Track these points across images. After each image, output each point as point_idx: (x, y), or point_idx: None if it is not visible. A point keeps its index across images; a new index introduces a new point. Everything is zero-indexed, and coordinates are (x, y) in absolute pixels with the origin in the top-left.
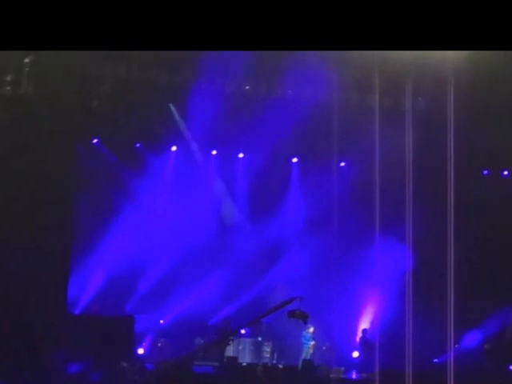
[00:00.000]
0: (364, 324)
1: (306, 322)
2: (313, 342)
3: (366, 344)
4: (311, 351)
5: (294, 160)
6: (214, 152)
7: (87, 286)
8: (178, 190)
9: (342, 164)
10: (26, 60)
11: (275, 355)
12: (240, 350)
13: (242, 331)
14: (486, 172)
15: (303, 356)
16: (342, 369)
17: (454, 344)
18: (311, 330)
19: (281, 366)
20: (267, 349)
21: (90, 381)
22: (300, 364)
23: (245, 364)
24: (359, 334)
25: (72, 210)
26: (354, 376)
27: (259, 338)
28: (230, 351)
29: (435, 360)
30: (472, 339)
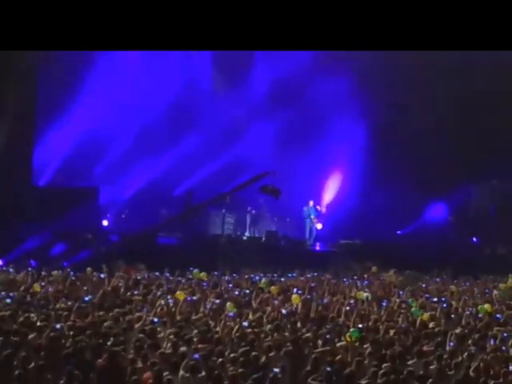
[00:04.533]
0: (328, 196)
1: (277, 198)
2: (313, 217)
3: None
4: (317, 225)
5: None
6: None
7: (52, 156)
8: (141, 64)
9: None
10: None
11: (238, 227)
12: (204, 222)
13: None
14: None
15: (307, 230)
16: (306, 240)
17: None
18: (311, 203)
19: (244, 238)
20: (231, 220)
21: (54, 253)
22: (264, 235)
23: (209, 235)
24: (323, 207)
25: (35, 79)
26: (317, 247)
27: (223, 210)
28: (194, 223)
29: (399, 232)
30: (437, 211)
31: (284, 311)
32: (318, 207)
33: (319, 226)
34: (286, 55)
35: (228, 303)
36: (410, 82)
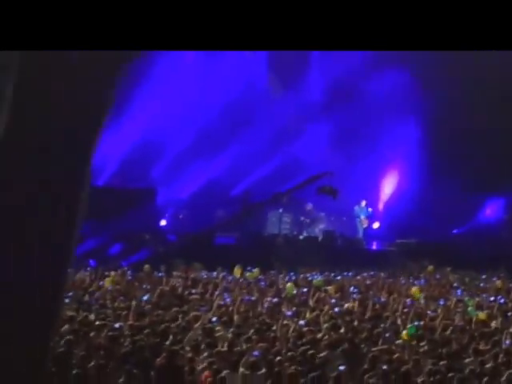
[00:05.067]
0: (385, 195)
1: (335, 198)
2: (363, 217)
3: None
4: (364, 225)
5: None
6: None
7: (110, 157)
8: (199, 63)
9: None
10: None
11: (295, 227)
12: (262, 222)
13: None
14: None
15: (359, 230)
16: (363, 240)
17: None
18: (363, 203)
19: (301, 237)
20: (288, 220)
21: (112, 253)
22: (321, 235)
23: (266, 235)
24: (381, 206)
25: None
26: (374, 247)
27: (280, 210)
28: (251, 223)
29: (455, 231)
30: (493, 209)
31: (337, 309)
32: (369, 209)
33: (375, 225)
34: (341, 55)
35: (288, 284)
36: (465, 79)
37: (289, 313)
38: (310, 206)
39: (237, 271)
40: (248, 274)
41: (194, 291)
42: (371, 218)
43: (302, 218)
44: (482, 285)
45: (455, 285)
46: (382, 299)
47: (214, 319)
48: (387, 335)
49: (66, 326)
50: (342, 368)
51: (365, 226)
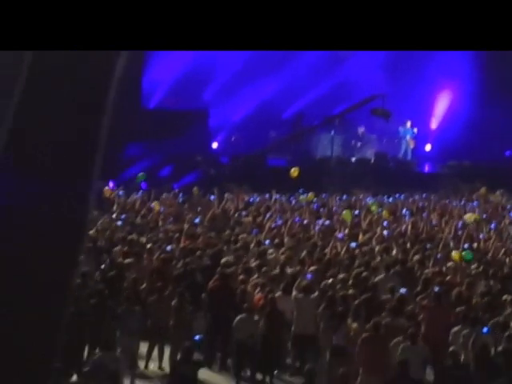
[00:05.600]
0: (437, 117)
1: (387, 120)
2: (409, 137)
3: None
4: (411, 146)
5: None
6: None
7: (162, 79)
8: None
9: None
10: None
11: (347, 149)
12: (314, 144)
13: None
14: None
15: (402, 151)
16: (415, 161)
17: None
18: (408, 124)
19: (353, 159)
20: (340, 142)
21: (163, 175)
22: (374, 157)
23: (318, 157)
24: (433, 127)
25: None
26: (426, 169)
27: (332, 132)
28: (303, 145)
29: (507, 152)
30: None
31: (386, 232)
32: (415, 129)
33: (427, 147)
34: None
35: (345, 211)
36: None
37: (340, 235)
38: (361, 129)
39: (294, 172)
40: (301, 197)
41: (245, 213)
42: (417, 139)
43: (354, 141)
44: None
45: (508, 207)
46: (434, 222)
47: (267, 242)
48: (439, 257)
49: (118, 248)
50: (403, 291)
51: (412, 146)
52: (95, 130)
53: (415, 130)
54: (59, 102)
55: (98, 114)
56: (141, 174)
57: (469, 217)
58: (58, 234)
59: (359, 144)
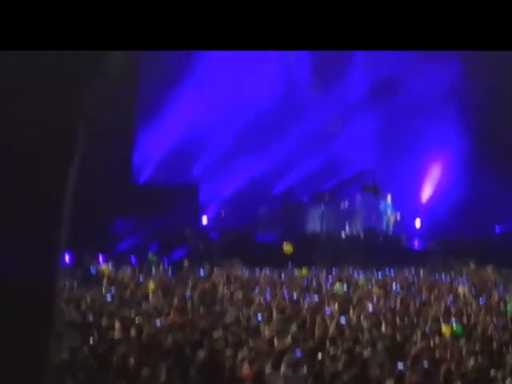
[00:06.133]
0: (427, 193)
1: (378, 196)
2: (390, 213)
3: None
4: (392, 221)
5: None
6: None
7: (152, 154)
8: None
9: None
10: None
11: (337, 224)
12: (303, 219)
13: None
14: None
15: (384, 227)
16: (405, 237)
17: None
18: (389, 199)
19: (343, 234)
20: (330, 217)
21: (153, 250)
22: (363, 232)
23: (308, 232)
24: (423, 203)
25: (136, 75)
26: (416, 245)
27: (322, 207)
28: (293, 220)
29: (497, 227)
30: None
31: (375, 307)
32: (390, 202)
33: (417, 223)
34: (385, 55)
35: (337, 284)
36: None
37: (329, 310)
38: (352, 204)
39: (287, 247)
40: (297, 273)
41: (234, 288)
42: (406, 214)
43: (344, 216)
44: None
45: (497, 282)
46: (424, 297)
47: (256, 317)
48: (428, 332)
49: (106, 322)
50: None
51: (392, 221)
52: (58, 194)
53: (393, 209)
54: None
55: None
56: (151, 255)
57: (458, 292)
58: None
59: (349, 219)
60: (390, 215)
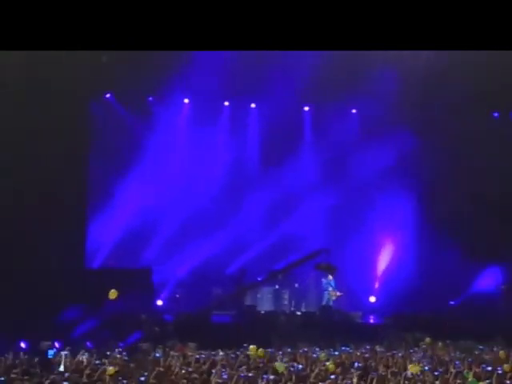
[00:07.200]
0: (380, 269)
1: (333, 275)
2: (331, 289)
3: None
4: (333, 298)
5: (306, 109)
6: (227, 103)
7: (105, 239)
8: (190, 142)
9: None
10: None
11: (293, 302)
12: (258, 299)
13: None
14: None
15: (324, 303)
16: (360, 313)
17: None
18: (330, 277)
19: (299, 313)
20: (285, 296)
21: (108, 335)
22: (318, 310)
23: (263, 312)
24: (377, 280)
25: (86, 164)
26: (371, 321)
27: (276, 286)
28: (247, 300)
29: (451, 302)
30: (489, 279)
31: None
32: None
33: (372, 299)
34: (335, 132)
35: (276, 363)
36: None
37: None
38: (306, 283)
39: (253, 350)
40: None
41: (190, 370)
42: (361, 291)
43: (299, 295)
44: (482, 355)
45: (453, 355)
46: (381, 373)
47: None
48: None
49: None
50: None
51: (334, 298)
52: None
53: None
54: None
55: None
56: (112, 291)
57: (411, 367)
58: None
59: (304, 297)
60: (332, 291)
